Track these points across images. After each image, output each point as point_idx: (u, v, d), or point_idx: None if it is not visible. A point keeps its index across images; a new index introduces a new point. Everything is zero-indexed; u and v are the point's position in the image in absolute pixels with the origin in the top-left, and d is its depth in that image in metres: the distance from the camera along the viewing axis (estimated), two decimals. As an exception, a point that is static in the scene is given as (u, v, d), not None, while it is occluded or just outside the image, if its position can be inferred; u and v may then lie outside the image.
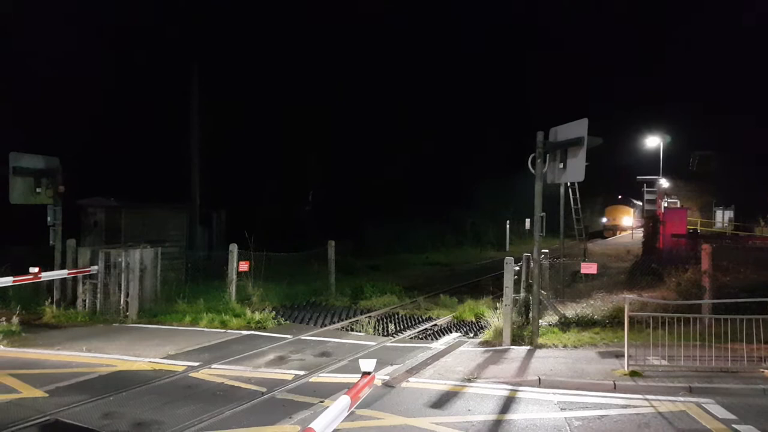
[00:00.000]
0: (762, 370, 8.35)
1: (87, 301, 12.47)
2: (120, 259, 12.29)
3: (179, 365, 8.74)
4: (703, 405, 7.18)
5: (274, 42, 29.28)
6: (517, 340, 10.27)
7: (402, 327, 12.78)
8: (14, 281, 11.22)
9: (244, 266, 13.38)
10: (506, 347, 10.02)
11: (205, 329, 11.48)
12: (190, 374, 8.33)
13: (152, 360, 9.06)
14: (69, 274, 12.46)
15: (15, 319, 10.73)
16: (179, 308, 12.54)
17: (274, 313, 12.68)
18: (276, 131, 30.62)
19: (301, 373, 8.42)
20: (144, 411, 6.79)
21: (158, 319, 12.21)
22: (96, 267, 12.43)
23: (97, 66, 23.94)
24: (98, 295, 12.39)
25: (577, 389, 7.79)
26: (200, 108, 20.96)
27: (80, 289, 12.56)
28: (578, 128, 9.38)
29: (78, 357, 9.19)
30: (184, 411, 6.77)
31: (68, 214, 13.78)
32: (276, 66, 29.82)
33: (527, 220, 35.42)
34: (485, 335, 10.96)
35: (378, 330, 12.36)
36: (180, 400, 7.18)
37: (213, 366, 8.74)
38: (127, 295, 12.30)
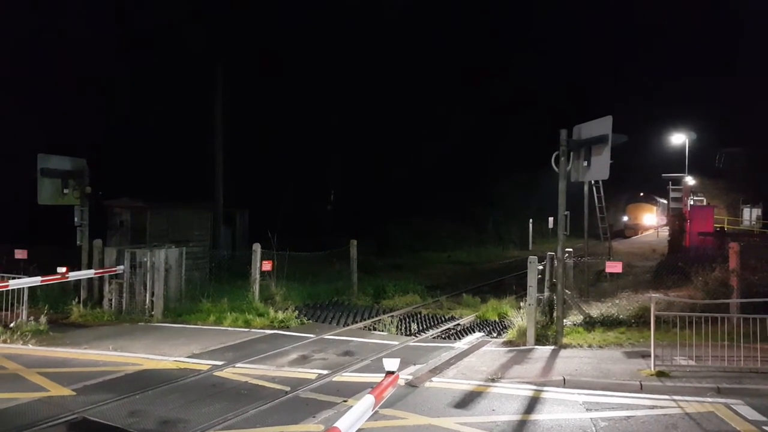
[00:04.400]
0: (794, 371, 8.14)
1: (113, 300, 12.68)
2: (145, 259, 12.47)
3: (204, 364, 8.83)
4: (732, 406, 7.03)
5: (296, 40, 29.40)
6: (541, 339, 10.17)
7: (425, 326, 12.75)
8: (42, 281, 11.45)
9: (267, 266, 13.47)
10: (530, 347, 9.93)
11: (229, 328, 11.59)
12: (214, 373, 8.42)
13: (177, 359, 9.17)
14: (95, 274, 12.70)
15: (43, 319, 10.92)
16: (203, 307, 12.66)
17: (296, 312, 12.75)
18: (298, 130, 30.77)
19: (325, 372, 8.45)
20: (169, 409, 6.88)
21: (183, 318, 12.35)
22: (122, 267, 12.63)
23: (124, 67, 24.34)
24: (124, 295, 12.58)
25: (602, 390, 7.69)
26: (224, 108, 21.16)
27: (106, 288, 12.77)
28: (602, 126, 9.25)
29: (105, 356, 9.35)
30: (208, 409, 6.84)
31: (95, 214, 14.04)
32: (298, 64, 29.95)
33: (550, 219, 35.06)
34: (509, 335, 10.88)
35: (400, 329, 12.35)
36: (205, 399, 7.26)
37: (237, 365, 8.82)
38: (153, 294, 12.47)
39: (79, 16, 23.66)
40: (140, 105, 25.02)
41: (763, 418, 6.60)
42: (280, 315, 12.23)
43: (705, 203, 33.37)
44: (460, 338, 11.47)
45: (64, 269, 11.76)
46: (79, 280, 12.67)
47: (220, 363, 8.87)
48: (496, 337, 11.44)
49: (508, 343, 10.39)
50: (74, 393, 7.40)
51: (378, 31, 33.97)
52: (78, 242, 13.40)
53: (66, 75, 22.91)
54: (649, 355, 8.38)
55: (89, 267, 13.03)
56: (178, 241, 14.34)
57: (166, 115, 25.12)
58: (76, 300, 12.64)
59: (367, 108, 34.46)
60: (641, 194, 46.98)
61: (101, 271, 12.75)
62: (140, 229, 15.14)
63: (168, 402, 7.14)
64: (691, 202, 30.66)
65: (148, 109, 25.03)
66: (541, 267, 10.90)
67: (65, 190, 13.06)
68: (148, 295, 12.50)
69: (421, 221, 34.22)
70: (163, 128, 25.19)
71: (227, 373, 8.48)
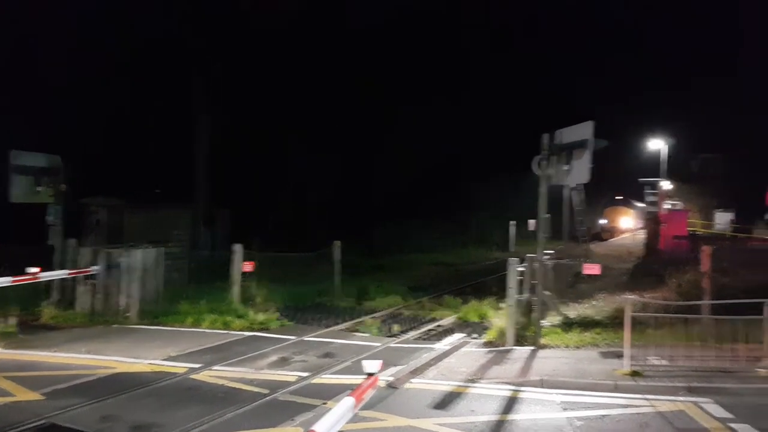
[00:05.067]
0: (759, 369, 8.35)
1: (87, 301, 12.42)
2: (121, 259, 12.27)
3: (180, 367, 8.71)
4: (702, 404, 7.18)
5: (280, 42, 29.24)
6: (520, 340, 10.26)
7: (406, 328, 12.76)
8: (13, 281, 11.08)
9: (248, 267, 13.31)
10: (509, 348, 10.00)
11: (208, 330, 11.45)
12: (191, 376, 8.31)
13: (153, 362, 9.03)
14: (69, 274, 12.39)
15: (12, 320, 10.65)
16: (181, 309, 12.48)
17: (277, 314, 12.67)
18: (282, 131, 30.58)
19: (305, 374, 8.40)
20: (143, 413, 6.76)
21: (159, 320, 12.16)
22: (97, 267, 12.39)
23: (103, 65, 23.96)
24: (98, 296, 12.35)
25: (579, 389, 7.78)
26: (206, 108, 20.96)
27: (80, 289, 12.51)
28: (583, 130, 9.38)
29: (76, 359, 9.15)
30: (184, 413, 6.74)
31: (70, 213, 13.73)
32: (283, 64, 29.77)
33: (531, 222, 35.43)
34: (488, 336, 10.95)
35: (382, 331, 12.34)
36: (181, 402, 7.16)
37: (215, 367, 8.72)
38: (128, 295, 12.26)
39: (57, 13, 23.25)
40: (120, 102, 24.62)
41: (730, 416, 6.76)
42: (261, 317, 12.13)
43: (680, 207, 33.98)
44: (441, 339, 11.49)
45: (35, 269, 11.47)
46: (52, 280, 12.37)
47: (197, 366, 8.75)
48: (476, 338, 11.49)
49: (488, 344, 10.46)
50: (43, 398, 7.22)
51: (364, 33, 34.01)
52: (50, 241, 13.03)
53: (43, 72, 22.48)
54: (624, 355, 8.49)
55: (62, 267, 12.72)
56: (156, 241, 14.15)
57: (147, 113, 24.78)
58: (48, 301, 12.37)
59: (354, 110, 34.44)
60: (618, 198, 47.64)
61: (75, 271, 12.46)
62: (117, 229, 14.95)
63: (142, 406, 7.02)
64: (667, 206, 31.23)
65: (128, 106, 24.66)
66: (521, 269, 11.00)
67: (39, 188, 12.73)
68: (123, 296, 12.29)
69: (405, 223, 34.24)
70: (143, 126, 24.84)
71: (204, 375, 8.37)
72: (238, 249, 13.26)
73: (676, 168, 39.34)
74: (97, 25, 23.88)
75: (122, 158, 24.14)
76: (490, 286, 17.53)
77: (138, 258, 12.32)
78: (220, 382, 8.08)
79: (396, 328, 12.64)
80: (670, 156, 36.29)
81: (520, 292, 10.92)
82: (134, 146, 24.61)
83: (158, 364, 8.89)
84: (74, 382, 7.86)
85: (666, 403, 7.24)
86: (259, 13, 25.54)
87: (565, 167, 9.71)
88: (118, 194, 16.03)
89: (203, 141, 20.64)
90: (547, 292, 11.18)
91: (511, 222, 36.89)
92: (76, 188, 14.40)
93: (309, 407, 6.97)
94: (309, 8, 29.79)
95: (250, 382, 8.07)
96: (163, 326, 11.83)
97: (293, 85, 30.05)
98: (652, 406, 7.17)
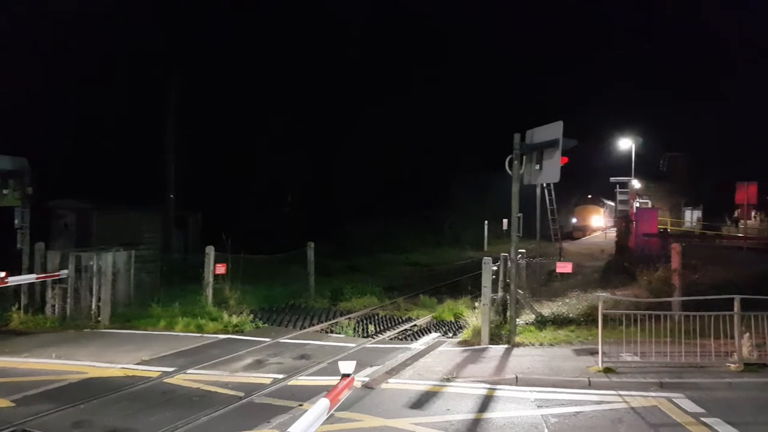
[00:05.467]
0: (729, 364, 8.57)
1: (56, 306, 12.16)
2: (91, 263, 12.02)
3: (153, 371, 8.58)
4: (674, 399, 7.33)
5: (255, 41, 29.04)
6: (495, 339, 10.36)
7: (382, 328, 12.78)
8: (-20, 287, 10.88)
9: (221, 269, 13.17)
10: (484, 346, 10.09)
11: (181, 334, 11.30)
12: (164, 380, 8.18)
13: (125, 366, 8.87)
14: (37, 278, 12.10)
15: (-21, 327, 10.38)
16: (153, 312, 12.30)
17: (252, 316, 12.55)
18: (254, 132, 30.34)
19: (280, 376, 8.35)
20: (116, 418, 6.64)
21: (132, 324, 11.95)
22: (66, 271, 12.12)
23: (71, 65, 23.41)
24: (68, 300, 12.08)
25: (553, 386, 7.89)
26: (177, 108, 20.67)
27: (49, 294, 12.22)
28: (553, 130, 9.51)
29: (47, 364, 8.94)
30: (158, 418, 6.65)
31: (38, 216, 13.41)
32: (256, 65, 29.57)
33: (504, 221, 35.82)
34: (464, 335, 11.04)
35: (358, 331, 12.34)
36: (154, 407, 7.05)
37: (189, 371, 8.60)
38: (99, 299, 12.02)
39: (26, 11, 22.62)
40: (89, 103, 24.09)
41: (702, 410, 6.92)
42: (235, 319, 12.00)
43: (650, 205, 34.72)
44: (416, 339, 11.55)
45: (2, 274, 11.17)
46: (20, 285, 12.07)
47: (170, 369, 8.63)
48: (451, 337, 11.58)
49: (464, 343, 10.54)
50: (13, 404, 7.06)
51: (336, 33, 33.98)
52: (18, 245, 12.76)
53: (9, 73, 21.84)
54: (597, 352, 8.65)
55: (31, 271, 12.41)
56: (126, 243, 13.86)
57: (116, 115, 24.30)
58: (17, 306, 12.08)
59: (326, 109, 34.36)
60: (589, 196, 48.41)
61: (44, 275, 12.17)
62: (86, 232, 14.61)
63: (115, 411, 6.89)
64: (637, 205, 31.89)
65: (97, 107, 24.14)
66: (495, 268, 11.11)
67: (5, 191, 12.40)
68: (94, 300, 12.05)
69: (379, 224, 34.29)
70: (113, 128, 24.36)
71: (178, 379, 8.26)
72: (210, 251, 13.11)
73: (645, 167, 40.20)
74: (63, 26, 23.35)
75: (91, 160, 23.64)
76: (465, 285, 17.70)
77: (109, 261, 12.09)
78: (195, 385, 7.97)
79: (372, 328, 12.65)
80: (639, 155, 37.05)
81: (495, 291, 11.03)
82: (103, 148, 24.12)
83: (131, 369, 8.74)
84: (45, 388, 7.69)
85: (639, 399, 7.39)
86: (224, 15, 25.39)
87: (536, 167, 9.85)
88: (87, 197, 15.66)
89: (172, 142, 20.33)
90: (521, 291, 11.33)
91: (485, 221, 37.26)
92: (44, 191, 14.02)
93: (285, 409, 6.93)
94: (279, 7, 29.66)
95: (225, 385, 7.99)
96: (136, 330, 11.62)
97: (262, 86, 29.88)
98: (625, 402, 7.30)
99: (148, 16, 22.55)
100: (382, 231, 34.15)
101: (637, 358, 8.75)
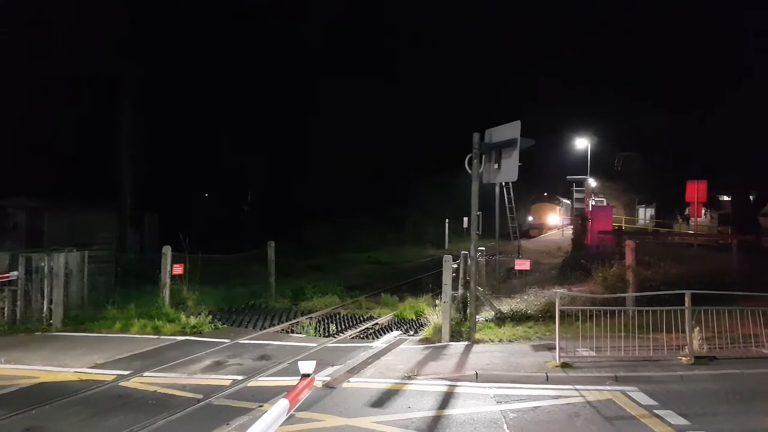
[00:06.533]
0: (680, 357, 8.89)
1: (6, 309, 11.68)
2: (43, 264, 11.62)
3: (108, 374, 8.35)
4: (628, 393, 7.56)
5: (213, 40, 28.51)
6: (455, 336, 10.48)
7: (343, 327, 12.76)
8: None
9: (178, 269, 12.91)
10: (445, 343, 10.19)
11: (137, 336, 11.03)
12: (120, 383, 7.98)
13: (78, 370, 8.61)
14: (-15, 281, 11.64)
15: None
16: (108, 314, 11.98)
17: (210, 317, 12.33)
18: (213, 131, 29.82)
19: (240, 377, 8.25)
20: (69, 424, 6.45)
21: (85, 326, 11.61)
22: (16, 273, 11.66)
23: (22, 63, 22.51)
24: (18, 303, 11.64)
25: (512, 382, 8.03)
26: (133, 106, 20.12)
27: (-2, 296, 11.75)
28: (511, 130, 9.68)
29: (-4, 369, 8.61)
30: (113, 422, 6.48)
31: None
32: (214, 65, 29.05)
33: (465, 219, 36.25)
34: (425, 332, 11.11)
35: (319, 331, 12.28)
36: (109, 411, 6.86)
37: (145, 374, 8.41)
38: (51, 302, 11.63)
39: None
40: (41, 101, 23.21)
41: (655, 403, 7.16)
42: (193, 320, 11.78)
43: (605, 203, 35.72)
44: (378, 337, 11.58)
45: (-54, 277, 10.69)
46: (-35, 288, 11.57)
47: (126, 373, 8.41)
48: (413, 335, 11.65)
49: (425, 341, 10.62)
50: (-42, 412, 6.76)
51: (294, 34, 33.73)
52: (-37, 246, 12.25)
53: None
54: (555, 348, 8.86)
55: (-23, 273, 11.91)
56: (80, 244, 13.45)
57: (69, 112, 23.47)
58: (-38, 310, 11.54)
59: (287, 108, 34.05)
60: (545, 195, 49.19)
61: (-9, 277, 11.70)
62: (37, 232, 14.13)
63: (68, 416, 6.68)
64: (593, 203, 32.75)
65: (50, 104, 23.27)
66: (455, 265, 11.24)
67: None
68: (45, 302, 11.64)
69: (341, 223, 34.24)
70: (67, 126, 23.52)
71: (134, 383, 8.06)
72: (167, 251, 12.83)
73: (601, 166, 41.29)
74: (19, 22, 22.43)
75: (43, 159, 22.80)
76: (426, 283, 17.83)
77: (61, 262, 11.70)
78: (152, 388, 7.80)
79: (333, 327, 12.62)
80: (595, 154, 38.06)
81: (455, 289, 11.16)
82: (56, 146, 23.28)
83: (85, 372, 8.49)
84: (-8, 395, 7.39)
85: (594, 393, 7.58)
86: (183, 11, 24.86)
87: (495, 166, 10.00)
88: (38, 196, 15.11)
89: (127, 140, 19.78)
90: (481, 288, 11.49)
91: (446, 220, 37.61)
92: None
93: (244, 411, 6.85)
94: (238, 7, 29.26)
95: (183, 387, 7.84)
96: (90, 332, 11.30)
97: (222, 85, 29.42)
98: (581, 396, 7.48)
99: (102, 6, 21.85)
100: (344, 230, 34.13)
101: (592, 353, 9.00)
